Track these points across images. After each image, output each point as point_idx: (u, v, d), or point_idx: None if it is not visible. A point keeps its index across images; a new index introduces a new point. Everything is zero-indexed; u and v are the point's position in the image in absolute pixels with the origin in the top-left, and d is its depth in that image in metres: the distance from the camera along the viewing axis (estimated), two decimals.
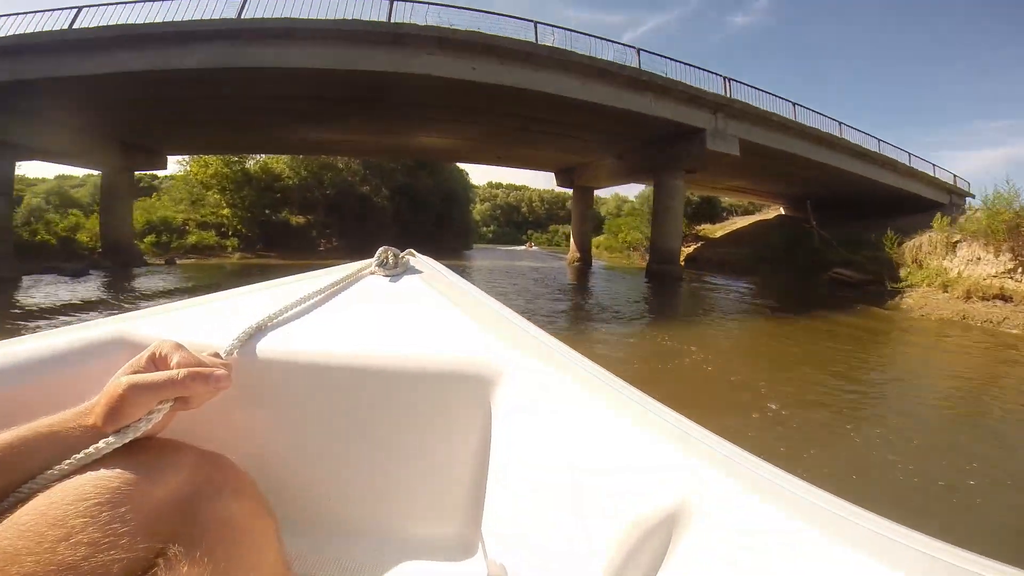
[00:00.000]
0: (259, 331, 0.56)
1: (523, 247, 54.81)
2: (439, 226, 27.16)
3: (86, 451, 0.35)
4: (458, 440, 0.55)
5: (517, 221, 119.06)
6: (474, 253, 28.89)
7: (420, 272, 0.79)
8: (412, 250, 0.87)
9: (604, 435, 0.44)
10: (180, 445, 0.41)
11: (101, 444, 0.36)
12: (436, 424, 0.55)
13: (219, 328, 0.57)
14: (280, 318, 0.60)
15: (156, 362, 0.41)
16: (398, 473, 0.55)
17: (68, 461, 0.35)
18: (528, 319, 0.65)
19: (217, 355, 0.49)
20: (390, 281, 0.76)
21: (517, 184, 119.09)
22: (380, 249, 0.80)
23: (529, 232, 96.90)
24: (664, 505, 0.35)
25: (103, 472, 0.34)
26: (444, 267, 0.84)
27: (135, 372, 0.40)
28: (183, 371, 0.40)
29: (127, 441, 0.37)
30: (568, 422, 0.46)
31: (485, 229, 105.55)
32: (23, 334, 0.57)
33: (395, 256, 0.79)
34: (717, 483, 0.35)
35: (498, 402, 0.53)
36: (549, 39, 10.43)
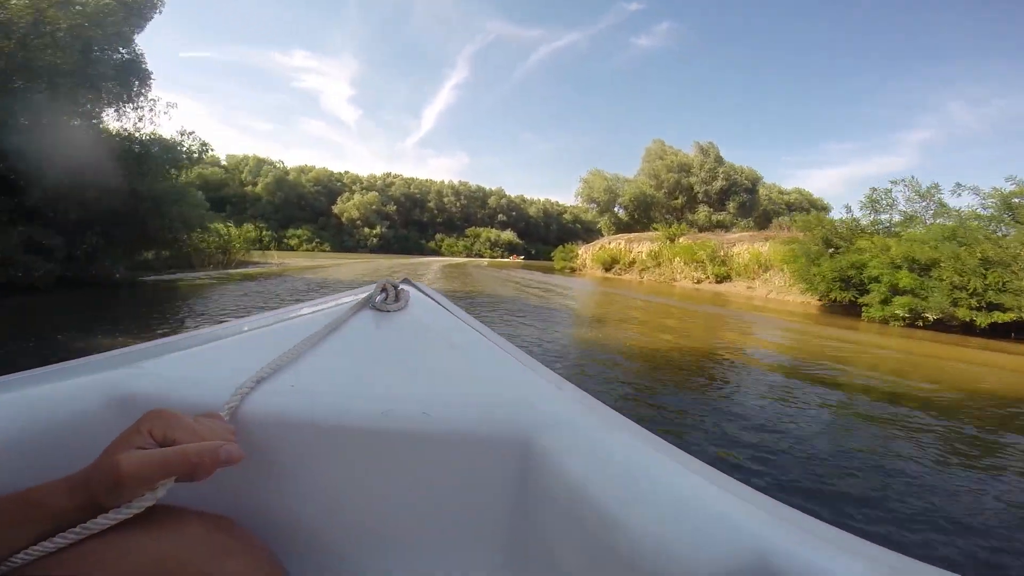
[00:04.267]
0: (259, 382, 0.53)
1: (482, 261, 50.81)
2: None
3: (84, 526, 0.33)
4: (475, 501, 0.52)
5: (420, 221, 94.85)
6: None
7: (421, 306, 0.78)
8: (408, 278, 0.86)
9: (643, 483, 0.42)
10: (184, 512, 0.39)
11: (101, 520, 0.34)
12: (451, 485, 0.52)
13: (214, 379, 0.54)
14: (280, 367, 0.56)
15: (154, 433, 0.38)
16: (413, 535, 0.53)
17: (71, 532, 0.33)
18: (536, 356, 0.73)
19: (217, 415, 0.46)
20: (392, 318, 0.73)
21: (423, 178, 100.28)
22: (379, 283, 0.78)
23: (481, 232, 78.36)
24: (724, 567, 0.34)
25: (106, 544, 0.32)
26: (445, 299, 0.83)
27: (133, 444, 0.37)
28: (191, 449, 0.37)
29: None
30: (601, 473, 0.44)
31: (368, 231, 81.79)
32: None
33: (395, 289, 0.78)
34: (784, 543, 0.34)
35: (523, 461, 0.50)
36: None
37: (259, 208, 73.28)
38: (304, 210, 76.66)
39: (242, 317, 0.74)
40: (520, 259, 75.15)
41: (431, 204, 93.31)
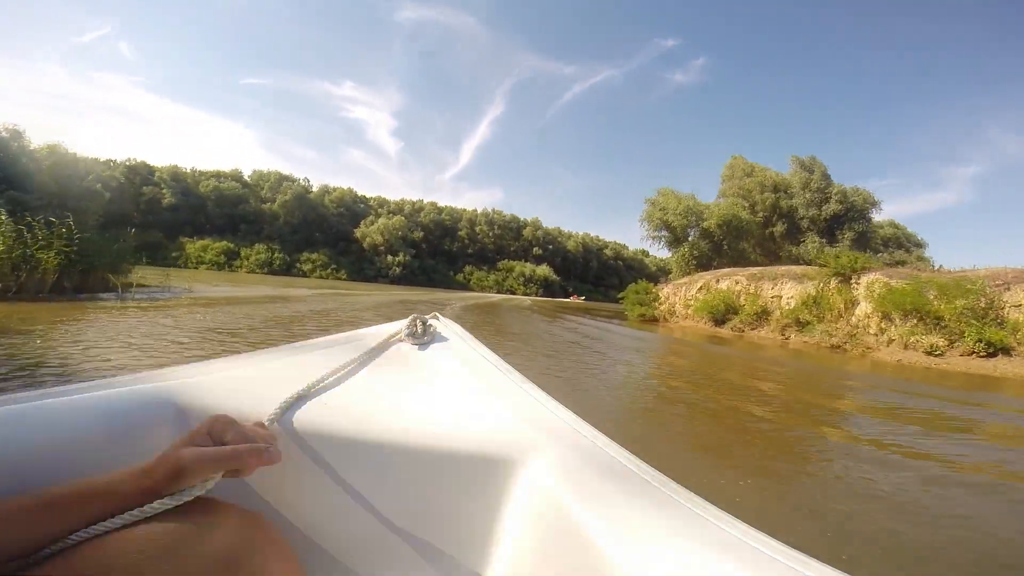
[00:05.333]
0: (299, 400, 0.61)
1: (522, 300, 43.00)
2: None
3: (141, 508, 0.39)
4: (486, 520, 0.55)
5: (449, 251, 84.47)
6: None
7: (447, 340, 0.84)
8: (437, 314, 0.91)
9: (636, 532, 0.42)
10: (224, 505, 0.44)
11: (156, 504, 0.40)
12: (462, 504, 0.56)
13: (262, 395, 0.61)
14: (318, 387, 0.64)
15: (212, 435, 0.45)
16: (430, 548, 0.56)
17: (128, 514, 0.39)
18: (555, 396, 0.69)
19: (262, 424, 0.53)
20: (419, 350, 0.80)
21: (455, 207, 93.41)
22: (411, 318, 0.85)
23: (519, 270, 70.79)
24: None
25: (157, 527, 0.38)
26: (469, 335, 0.87)
27: (195, 442, 0.44)
28: (241, 448, 0.44)
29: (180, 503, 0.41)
30: (596, 514, 0.45)
31: (391, 259, 72.03)
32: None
33: (423, 325, 0.84)
34: None
35: (522, 486, 0.54)
36: None
37: (275, 229, 67.14)
38: (324, 232, 70.04)
39: (287, 343, 0.80)
40: (581, 299, 68.42)
41: (462, 232, 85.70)
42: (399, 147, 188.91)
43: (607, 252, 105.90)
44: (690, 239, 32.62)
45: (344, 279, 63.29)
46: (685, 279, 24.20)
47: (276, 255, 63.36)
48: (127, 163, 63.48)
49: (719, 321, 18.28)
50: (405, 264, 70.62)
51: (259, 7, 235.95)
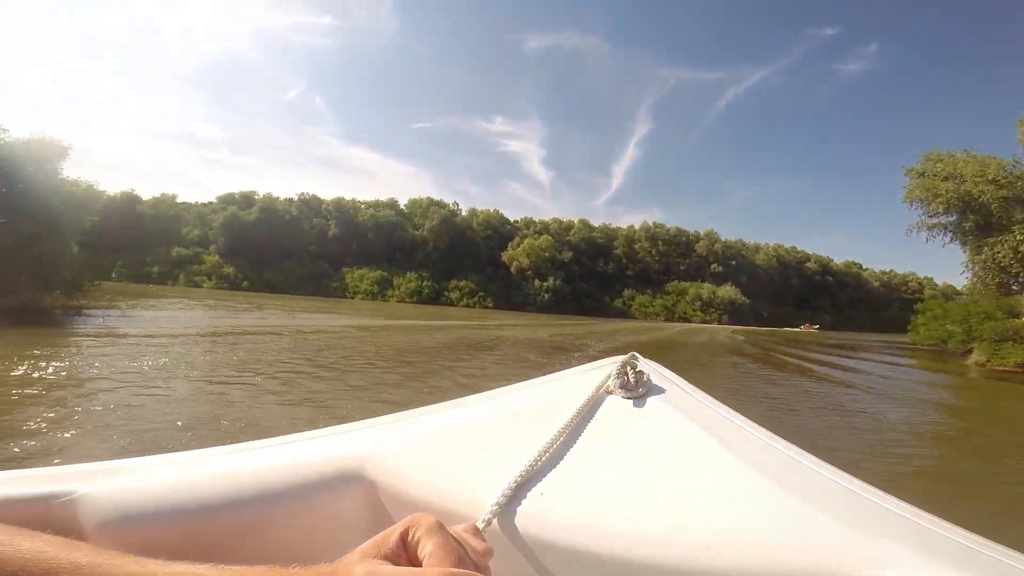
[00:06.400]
0: (515, 490, 0.46)
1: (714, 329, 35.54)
2: None
3: None
4: None
5: (603, 273, 71.21)
6: None
7: (664, 392, 0.67)
8: (636, 354, 0.75)
9: None
10: None
11: None
12: None
13: (463, 474, 0.50)
14: (533, 470, 0.50)
15: (410, 541, 0.34)
16: None
17: None
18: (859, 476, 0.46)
19: (475, 529, 0.40)
20: (634, 406, 0.64)
21: (610, 224, 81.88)
22: (617, 363, 0.70)
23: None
24: None
25: None
26: (685, 382, 0.74)
27: (385, 548, 0.33)
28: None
29: None
30: None
31: (539, 284, 63.09)
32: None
33: (635, 373, 0.68)
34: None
35: None
36: None
37: (425, 255, 65.02)
38: (472, 257, 65.78)
39: (472, 393, 0.71)
40: (815, 328, 57.31)
41: (619, 251, 74.05)
42: (551, 176, 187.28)
43: (810, 266, 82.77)
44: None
45: (490, 307, 57.43)
46: None
47: (425, 283, 60.61)
48: (301, 197, 68.07)
49: None
50: (554, 289, 62.05)
51: (411, 55, 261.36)
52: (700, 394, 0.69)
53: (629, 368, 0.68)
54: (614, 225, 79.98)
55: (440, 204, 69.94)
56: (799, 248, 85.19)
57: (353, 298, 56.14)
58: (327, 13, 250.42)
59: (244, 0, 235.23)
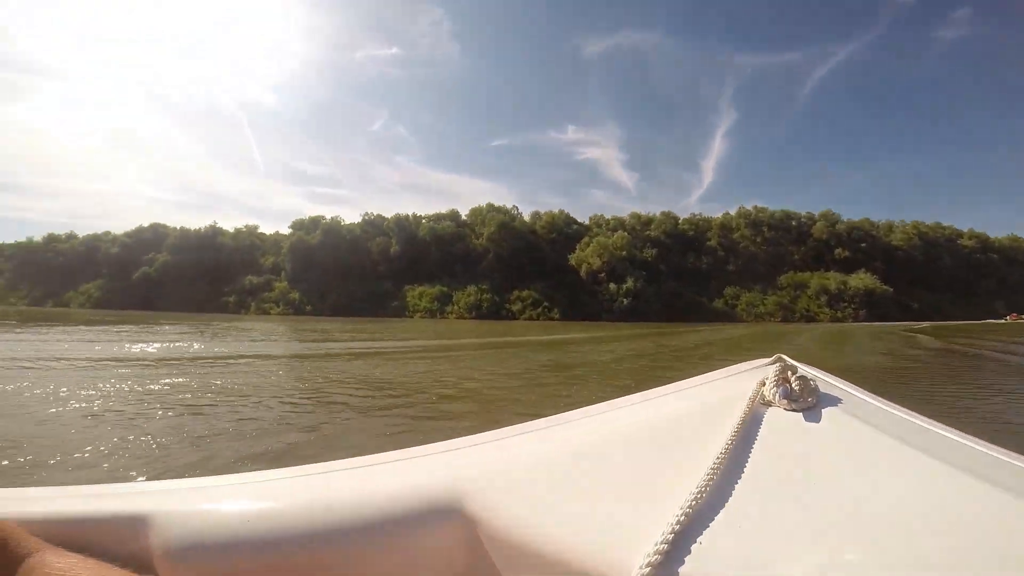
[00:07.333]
0: (680, 541, 0.36)
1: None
2: None
3: None
4: None
5: (696, 269, 60.29)
6: None
7: (840, 403, 0.55)
8: (783, 356, 0.66)
9: None
10: None
11: None
12: None
13: (602, 517, 0.39)
14: (699, 509, 0.39)
15: None
16: None
17: None
18: None
19: None
20: (806, 420, 0.52)
21: (699, 214, 69.25)
22: (773, 365, 0.59)
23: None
24: None
25: None
26: (857, 388, 0.61)
27: None
28: None
29: None
30: None
31: (614, 288, 52.93)
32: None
33: (798, 379, 0.56)
34: None
35: None
36: None
37: (486, 265, 60.08)
38: (536, 264, 59.38)
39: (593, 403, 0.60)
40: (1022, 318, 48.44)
41: (712, 242, 62.66)
42: (635, 179, 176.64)
43: (965, 243, 63.76)
44: None
45: (556, 318, 50.33)
46: None
47: (484, 296, 55.42)
48: (365, 217, 67.44)
49: None
50: (635, 292, 53.01)
51: (475, 75, 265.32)
52: (882, 401, 0.58)
53: (791, 374, 0.57)
54: (702, 215, 68.58)
55: (500, 210, 64.99)
56: (944, 223, 66.28)
57: (412, 317, 52.84)
58: (393, 44, 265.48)
59: (315, 46, 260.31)
